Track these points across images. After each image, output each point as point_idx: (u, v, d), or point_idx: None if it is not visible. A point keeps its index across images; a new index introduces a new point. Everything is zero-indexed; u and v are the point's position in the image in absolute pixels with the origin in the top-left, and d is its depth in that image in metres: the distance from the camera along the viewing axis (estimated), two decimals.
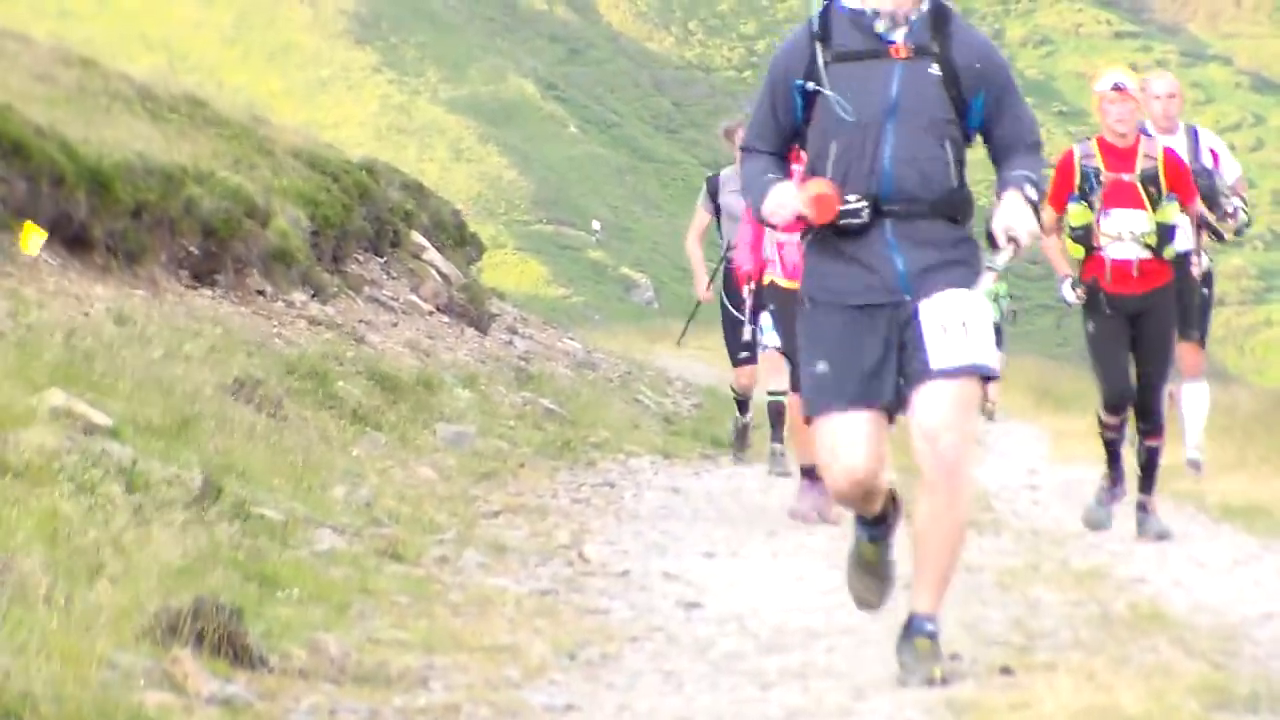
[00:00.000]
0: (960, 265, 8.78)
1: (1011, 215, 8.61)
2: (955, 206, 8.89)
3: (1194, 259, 17.46)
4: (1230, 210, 18.33)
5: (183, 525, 12.39)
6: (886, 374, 8.86)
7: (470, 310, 32.97)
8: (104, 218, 22.09)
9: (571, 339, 40.66)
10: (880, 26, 8.70)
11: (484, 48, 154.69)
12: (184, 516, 12.61)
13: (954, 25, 8.86)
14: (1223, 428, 27.49)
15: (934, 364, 8.72)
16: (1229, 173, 18.87)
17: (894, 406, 8.99)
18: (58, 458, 12.82)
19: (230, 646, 10.06)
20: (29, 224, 20.12)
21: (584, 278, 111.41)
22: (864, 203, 8.69)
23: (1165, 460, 17.86)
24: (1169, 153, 16.16)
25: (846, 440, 8.80)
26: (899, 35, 8.72)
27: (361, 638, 11.17)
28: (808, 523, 16.98)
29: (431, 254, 34.44)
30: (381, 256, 31.86)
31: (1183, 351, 18.31)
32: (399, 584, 13.04)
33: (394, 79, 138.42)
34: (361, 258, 31.14)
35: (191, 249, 24.43)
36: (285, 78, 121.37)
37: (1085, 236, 15.91)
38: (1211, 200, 18.02)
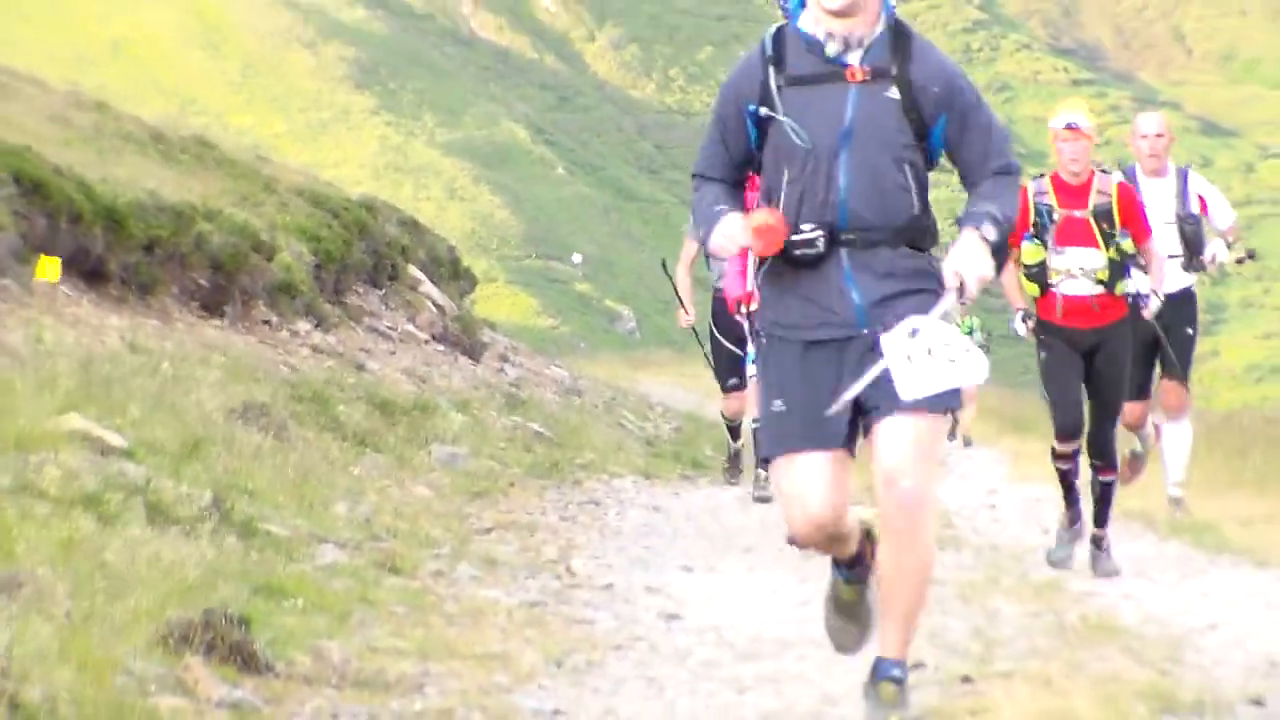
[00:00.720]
0: (920, 294, 7.98)
1: (964, 259, 7.90)
2: (916, 234, 8.14)
3: (1144, 301, 15.65)
4: (1210, 256, 17.46)
5: (193, 541, 12.35)
6: (843, 413, 8.10)
7: (463, 339, 33.29)
8: (119, 252, 22.24)
9: (559, 367, 41.08)
10: (831, 50, 7.94)
11: (477, 94, 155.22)
12: (195, 533, 12.63)
13: (914, 46, 8.11)
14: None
15: (899, 395, 7.95)
16: (1221, 219, 17.81)
17: (854, 441, 8.35)
18: (76, 477, 12.82)
19: (238, 654, 10.07)
20: (44, 257, 20.11)
21: (571, 309, 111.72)
22: (819, 232, 7.95)
23: (1144, 499, 18.06)
24: (1123, 188, 15.28)
25: (805, 483, 8.11)
26: (854, 58, 7.96)
27: (361, 645, 11.17)
28: (803, 550, 16.10)
29: (427, 286, 34.72)
30: (380, 289, 32.12)
31: (1166, 390, 17.79)
32: (397, 595, 13.05)
33: (392, 122, 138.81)
34: (361, 290, 31.21)
35: (201, 281, 24.49)
36: (289, 120, 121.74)
37: (1040, 274, 15.17)
38: (1193, 246, 17.31)
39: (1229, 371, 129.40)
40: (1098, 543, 15.59)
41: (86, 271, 21.97)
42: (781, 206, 8.01)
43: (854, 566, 8.77)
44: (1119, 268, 15.04)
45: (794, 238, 7.92)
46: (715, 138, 8.37)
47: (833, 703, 10.04)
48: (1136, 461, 18.13)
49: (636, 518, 20.25)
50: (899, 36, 8.02)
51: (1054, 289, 15.10)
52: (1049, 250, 15.03)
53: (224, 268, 25.09)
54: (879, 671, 8.17)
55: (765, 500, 19.28)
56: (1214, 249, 17.36)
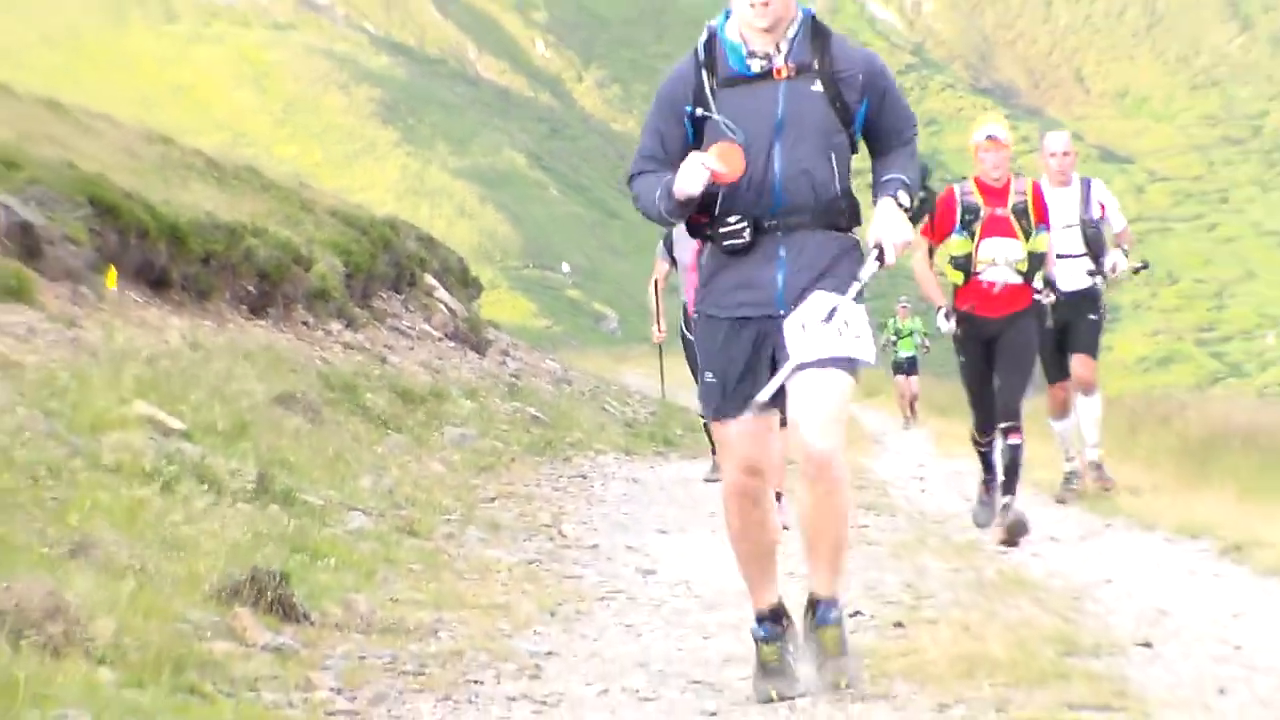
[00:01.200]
0: (836, 275, 7.64)
1: (885, 226, 7.64)
2: (841, 213, 7.78)
3: (1042, 289, 15.36)
4: (1110, 265, 17.15)
5: (241, 509, 12.49)
6: (760, 382, 7.73)
7: (471, 337, 33.09)
8: (180, 264, 22.44)
9: (552, 360, 40.92)
10: (756, 67, 7.60)
11: (483, 126, 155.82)
12: (242, 502, 12.76)
13: (832, 41, 7.76)
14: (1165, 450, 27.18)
15: (795, 358, 7.58)
16: (1116, 223, 17.46)
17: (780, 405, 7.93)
18: (142, 455, 12.84)
19: (280, 606, 10.19)
20: (112, 269, 20.17)
21: (563, 311, 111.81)
22: (744, 223, 7.57)
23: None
24: (1035, 186, 15.05)
25: (734, 438, 7.82)
26: (779, 58, 7.58)
27: (384, 598, 11.27)
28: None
29: (440, 292, 34.48)
30: (400, 294, 32.00)
31: (1076, 364, 17.28)
32: (415, 555, 13.16)
33: (411, 152, 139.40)
34: (384, 295, 31.18)
35: (249, 288, 24.62)
36: (325, 151, 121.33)
37: (965, 264, 14.72)
38: (1094, 249, 17.08)
39: (1122, 363, 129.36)
40: (1006, 508, 14.87)
41: (152, 280, 22.05)
42: (720, 198, 7.62)
43: (774, 623, 8.22)
44: (1037, 258, 14.72)
45: (722, 230, 7.61)
46: (653, 141, 7.91)
47: None
48: (1099, 470, 17.88)
49: (618, 488, 20.35)
50: (817, 35, 7.70)
51: (978, 276, 14.65)
52: (975, 242, 14.63)
53: (269, 277, 25.23)
54: (818, 617, 7.83)
55: (714, 482, 18.62)
56: (1114, 258, 17.12)
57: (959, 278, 14.85)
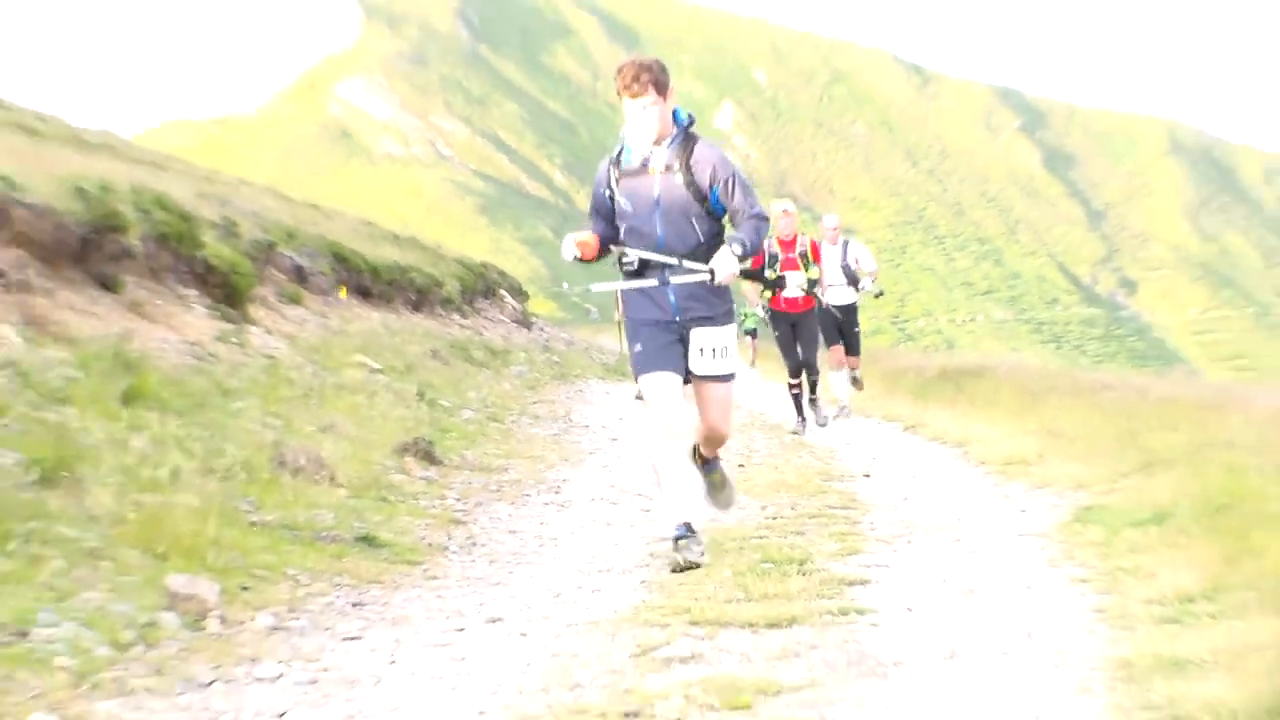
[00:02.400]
0: (710, 305, 8.24)
1: (719, 262, 7.94)
2: (701, 255, 8.10)
3: (817, 298, 17.29)
4: (865, 287, 18.86)
5: (408, 408, 14.66)
6: (677, 355, 8.20)
7: (524, 321, 38.13)
8: (377, 284, 26.23)
9: (564, 334, 42.83)
10: (637, 162, 8.09)
11: (528, 217, 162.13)
12: (409, 404, 14.98)
13: (695, 146, 8.09)
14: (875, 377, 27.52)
15: (698, 371, 8.22)
16: (866, 265, 18.98)
17: (684, 375, 8.27)
18: (358, 380, 15.31)
19: (428, 456, 11.95)
20: (343, 287, 23.45)
21: (569, 308, 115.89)
22: (634, 256, 8.09)
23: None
24: (813, 242, 17.06)
25: (659, 386, 8.05)
26: (654, 161, 8.02)
27: (481, 452, 13.30)
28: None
29: (508, 298, 39.05)
30: (488, 299, 37.19)
31: (833, 353, 18.95)
32: (497, 431, 15.27)
33: (494, 229, 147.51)
34: (480, 300, 35.83)
35: (411, 297, 28.31)
36: (450, 229, 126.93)
37: (773, 285, 16.00)
38: (852, 280, 18.80)
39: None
40: (813, 403, 17.56)
41: (362, 292, 25.10)
42: (623, 237, 8.27)
43: (708, 464, 8.95)
44: (812, 284, 16.86)
45: (623, 258, 8.20)
46: (592, 205, 8.41)
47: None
48: (856, 384, 19.78)
49: (598, 396, 22.92)
50: (686, 141, 8.09)
51: (780, 293, 16.80)
52: (777, 273, 16.58)
53: (422, 291, 29.05)
54: (707, 466, 9.00)
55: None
56: (864, 284, 18.92)
57: (769, 293, 16.98)
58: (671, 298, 8.18)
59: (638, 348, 8.24)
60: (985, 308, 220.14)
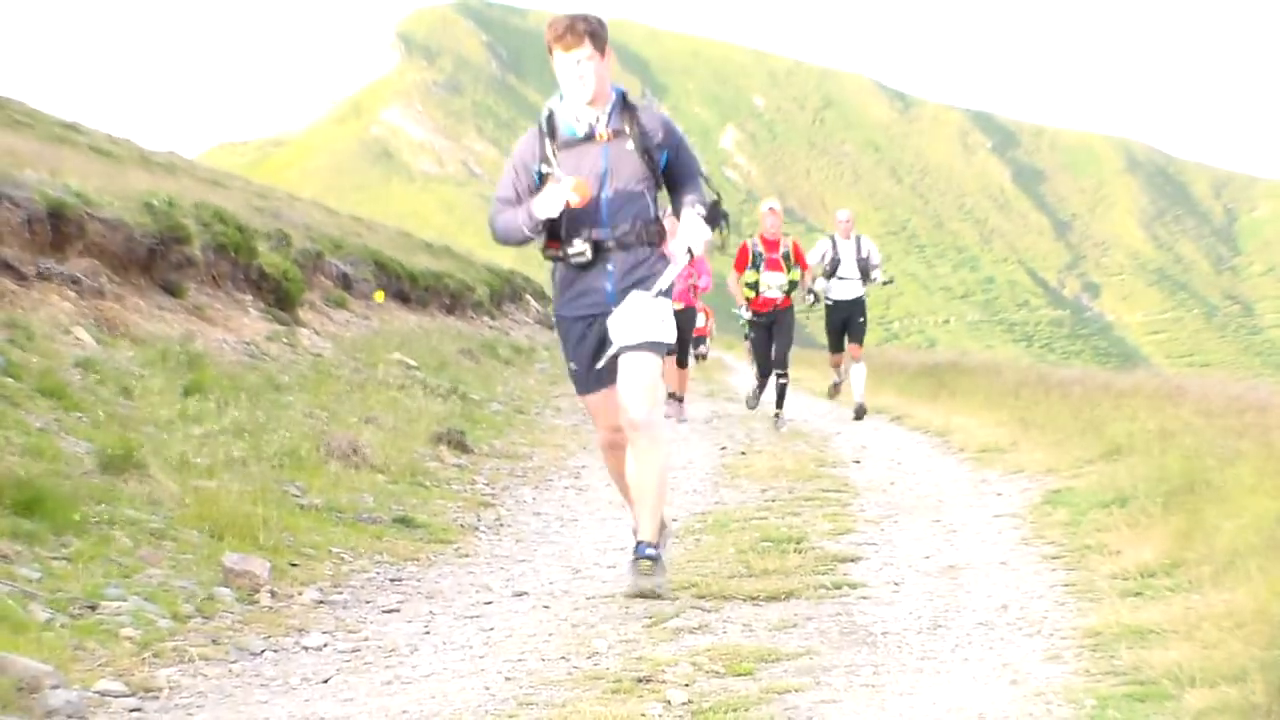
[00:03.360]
0: (648, 278, 6.65)
1: (689, 233, 6.65)
2: (652, 234, 6.71)
3: (802, 296, 16.32)
4: (876, 279, 17.35)
5: (442, 401, 14.52)
6: (603, 366, 6.62)
7: (547, 322, 36.68)
8: (414, 289, 26.67)
9: None
10: (581, 130, 6.61)
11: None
12: (442, 398, 14.80)
13: (639, 111, 6.74)
14: (825, 363, 25.97)
15: (618, 343, 6.57)
16: (875, 258, 17.37)
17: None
18: (397, 377, 15.32)
19: (460, 445, 11.94)
20: (381, 291, 23.00)
21: None
22: (586, 245, 6.62)
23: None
24: (795, 243, 15.77)
25: (599, 409, 6.80)
26: (600, 127, 6.61)
27: (508, 441, 13.36)
28: (673, 419, 15.62)
29: (532, 301, 39.47)
30: (514, 303, 37.52)
31: (851, 349, 17.51)
32: (523, 422, 15.34)
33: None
34: (507, 304, 36.19)
35: (446, 300, 28.43)
36: (479, 239, 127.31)
37: (754, 286, 15.44)
38: (865, 274, 17.22)
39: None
40: (778, 418, 15.92)
41: (400, 296, 25.28)
42: (564, 228, 6.71)
43: (639, 546, 6.75)
44: (793, 284, 15.62)
45: (569, 250, 6.71)
46: (508, 187, 6.83)
47: (692, 463, 12.11)
48: (836, 387, 18.67)
49: None
50: (626, 106, 6.75)
51: (761, 294, 15.54)
52: (760, 273, 15.50)
53: (455, 295, 29.35)
54: (639, 552, 6.67)
55: (668, 417, 16.34)
56: (875, 276, 17.36)
57: (750, 294, 15.62)
58: (609, 281, 6.70)
59: (572, 365, 6.92)
60: (962, 310, 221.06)
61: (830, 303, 17.32)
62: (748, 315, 15.68)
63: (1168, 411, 11.55)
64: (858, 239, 17.42)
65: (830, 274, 17.17)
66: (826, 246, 17.37)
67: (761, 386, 16.41)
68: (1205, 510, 6.83)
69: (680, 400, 16.41)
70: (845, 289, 17.24)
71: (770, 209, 15.85)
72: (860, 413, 17.11)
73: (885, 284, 17.74)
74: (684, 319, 15.66)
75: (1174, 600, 5.66)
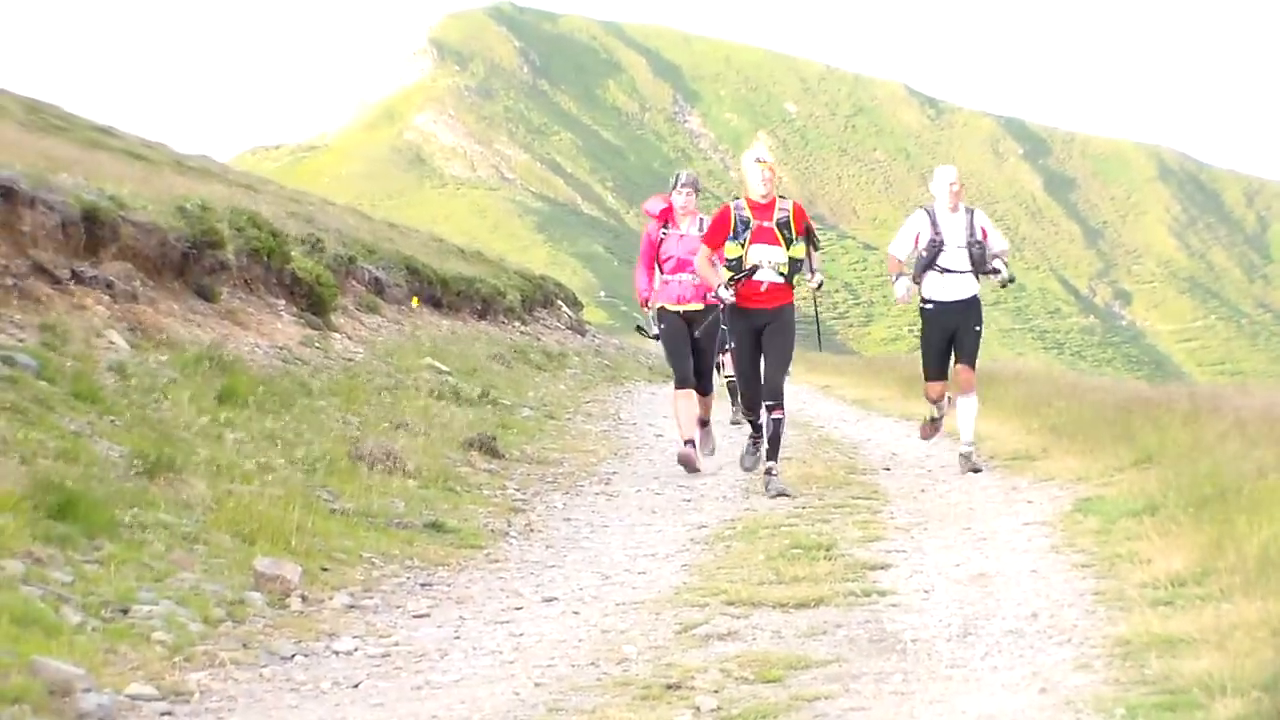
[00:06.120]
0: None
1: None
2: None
3: (811, 287, 11.11)
4: (993, 269, 12.04)
5: (473, 408, 14.67)
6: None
7: (578, 328, 37.96)
8: (446, 294, 26.34)
9: (615, 340, 42.66)
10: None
11: (582, 235, 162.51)
12: (473, 404, 15.03)
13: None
14: (855, 370, 29.48)
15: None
16: (996, 244, 12.18)
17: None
18: (428, 383, 15.30)
19: (491, 450, 12.03)
20: (415, 297, 23.68)
21: (620, 317, 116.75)
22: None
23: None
24: (797, 206, 11.21)
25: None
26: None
27: (539, 446, 13.43)
28: (707, 449, 12.84)
29: (564, 307, 39.39)
30: (546, 308, 37.21)
31: (959, 372, 12.21)
32: (554, 427, 15.39)
33: (551, 245, 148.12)
34: (539, 309, 35.86)
35: (478, 305, 28.29)
36: (512, 244, 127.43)
37: (737, 265, 10.86)
38: (978, 262, 12.05)
39: (875, 340, 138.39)
40: (770, 472, 11.02)
41: (433, 302, 25.21)
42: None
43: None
44: (795, 263, 11.07)
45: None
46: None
47: (719, 469, 12.26)
48: (935, 424, 13.05)
49: (644, 397, 22.45)
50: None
51: (746, 276, 10.88)
52: (745, 248, 10.90)
53: (486, 300, 29.07)
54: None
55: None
56: (998, 268, 12.15)
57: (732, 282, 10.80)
58: None
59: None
60: (994, 317, 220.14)
61: (929, 306, 12.35)
62: (729, 294, 10.95)
63: (1198, 421, 11.48)
64: (969, 213, 12.43)
65: (928, 265, 12.28)
66: (921, 224, 12.35)
67: (754, 425, 11.61)
68: (1236, 519, 6.83)
69: (706, 424, 12.89)
70: (950, 286, 12.27)
71: (758, 159, 11.30)
72: (970, 464, 12.09)
73: (1006, 284, 12.52)
74: (707, 337, 12.25)
75: (1204, 609, 5.65)
